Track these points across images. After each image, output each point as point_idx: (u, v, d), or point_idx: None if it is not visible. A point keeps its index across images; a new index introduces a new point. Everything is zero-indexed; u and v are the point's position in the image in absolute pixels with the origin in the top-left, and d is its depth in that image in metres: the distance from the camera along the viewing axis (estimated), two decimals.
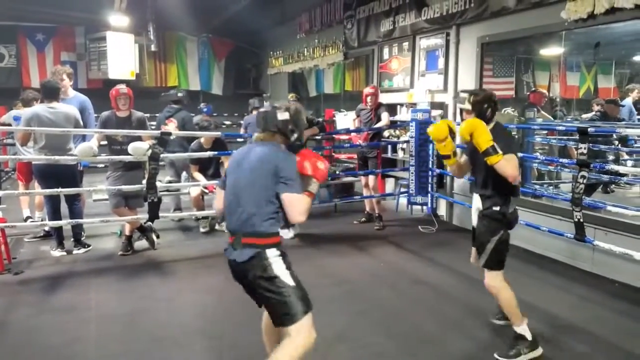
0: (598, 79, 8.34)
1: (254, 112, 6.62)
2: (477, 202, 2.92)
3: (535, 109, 5.71)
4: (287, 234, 5.17)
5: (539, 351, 2.76)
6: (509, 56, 8.18)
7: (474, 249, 2.97)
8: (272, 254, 2.12)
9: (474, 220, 2.94)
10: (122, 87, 4.64)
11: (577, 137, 4.02)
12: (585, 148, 3.57)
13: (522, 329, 2.76)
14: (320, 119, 5.60)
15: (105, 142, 4.73)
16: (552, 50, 7.14)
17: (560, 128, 5.30)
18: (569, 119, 6.86)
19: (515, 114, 5.58)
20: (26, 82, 9.75)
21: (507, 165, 2.59)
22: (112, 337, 3.10)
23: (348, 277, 4.15)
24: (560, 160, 4.79)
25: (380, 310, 3.49)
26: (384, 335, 3.11)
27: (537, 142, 5.72)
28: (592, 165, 3.72)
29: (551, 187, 5.74)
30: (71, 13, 9.26)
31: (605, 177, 5.03)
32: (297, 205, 2.11)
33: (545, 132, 5.78)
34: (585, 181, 3.61)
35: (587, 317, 3.35)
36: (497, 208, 2.75)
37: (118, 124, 4.56)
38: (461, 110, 2.94)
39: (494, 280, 2.80)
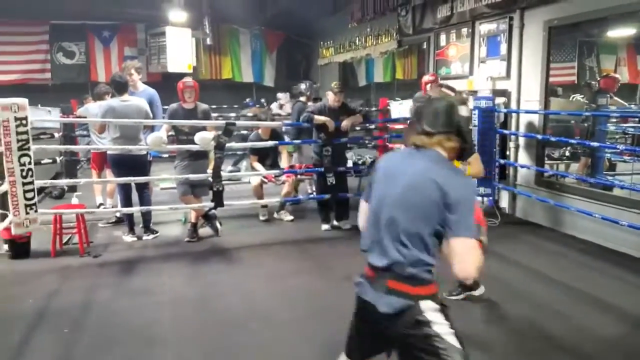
0: None
1: (302, 99, 6.62)
2: None
3: (608, 96, 5.40)
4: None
5: (481, 289, 3.26)
6: (571, 40, 7.77)
7: None
8: (429, 307, 1.60)
9: None
10: (188, 80, 4.79)
11: None
12: None
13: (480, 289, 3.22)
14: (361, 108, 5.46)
15: (172, 133, 4.92)
16: (622, 32, 6.69)
17: None
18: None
19: (585, 101, 5.31)
20: (94, 77, 10.29)
21: (474, 165, 3.04)
22: (187, 320, 3.24)
23: None
24: None
25: (449, 303, 3.44)
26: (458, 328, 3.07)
27: (611, 130, 5.42)
28: None
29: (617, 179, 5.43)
30: (133, 10, 9.68)
31: None
32: (473, 255, 1.53)
33: (615, 119, 5.48)
34: None
35: None
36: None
37: (184, 116, 4.73)
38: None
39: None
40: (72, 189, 6.38)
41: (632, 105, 5.90)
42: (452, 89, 3.84)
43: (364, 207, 1.85)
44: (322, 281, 3.86)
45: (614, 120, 5.42)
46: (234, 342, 2.97)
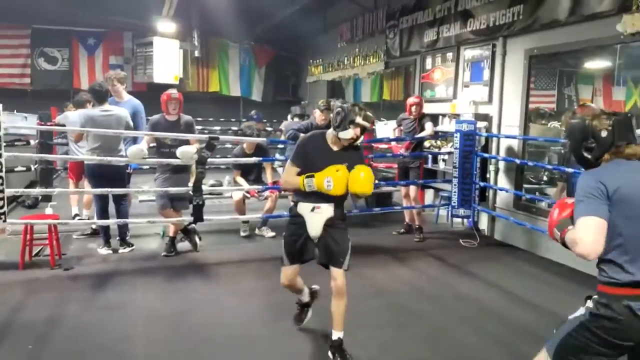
0: None
1: (295, 119, 6.70)
2: (327, 211, 2.84)
3: None
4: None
5: None
6: (551, 69, 7.99)
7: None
8: None
9: (317, 230, 2.86)
10: (174, 92, 4.74)
11: None
12: None
13: (342, 334, 2.87)
14: None
15: (154, 145, 4.85)
16: (598, 64, 6.94)
17: None
18: None
19: (562, 128, 5.43)
20: (76, 84, 10.15)
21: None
22: (159, 336, 3.16)
23: (389, 289, 4.10)
24: None
25: (423, 324, 3.43)
26: (428, 351, 3.06)
27: None
28: None
29: None
30: (121, 19, 9.62)
31: None
32: None
33: None
34: None
35: None
36: (346, 212, 3.00)
37: (167, 128, 4.67)
38: (353, 124, 2.73)
39: (345, 280, 2.85)
40: (47, 198, 6.26)
41: None
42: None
43: (601, 225, 1.77)
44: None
45: None
46: (206, 357, 2.91)
